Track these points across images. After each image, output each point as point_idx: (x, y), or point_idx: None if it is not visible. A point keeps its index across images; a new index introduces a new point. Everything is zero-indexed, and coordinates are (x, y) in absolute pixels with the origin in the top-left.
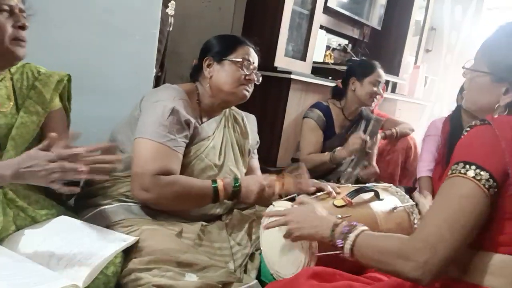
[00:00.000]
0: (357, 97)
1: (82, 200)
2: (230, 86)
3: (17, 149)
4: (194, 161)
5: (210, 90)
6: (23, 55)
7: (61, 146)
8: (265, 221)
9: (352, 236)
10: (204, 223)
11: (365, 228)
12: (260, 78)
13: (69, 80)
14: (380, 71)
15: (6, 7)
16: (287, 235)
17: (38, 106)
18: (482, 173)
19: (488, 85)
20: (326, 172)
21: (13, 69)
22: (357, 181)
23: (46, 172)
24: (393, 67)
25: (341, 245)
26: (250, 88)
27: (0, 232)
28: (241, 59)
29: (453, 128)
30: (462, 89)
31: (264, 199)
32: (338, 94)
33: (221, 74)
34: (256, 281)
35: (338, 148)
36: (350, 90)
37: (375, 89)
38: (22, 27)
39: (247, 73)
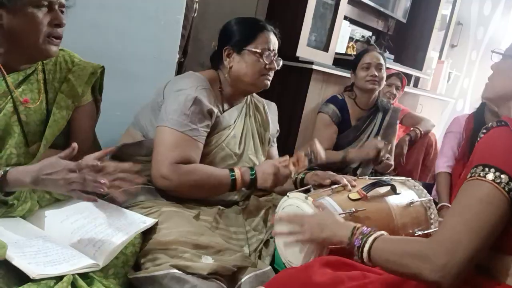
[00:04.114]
0: (359, 86)
1: None
2: (250, 77)
3: (46, 147)
4: (215, 150)
5: (230, 80)
6: (56, 53)
7: (91, 157)
8: (279, 210)
9: (371, 238)
10: (221, 207)
11: (383, 232)
12: (281, 63)
13: (102, 72)
14: (368, 55)
15: (45, 2)
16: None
17: (69, 100)
18: (501, 176)
19: (508, 69)
20: (341, 166)
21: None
22: (373, 170)
23: (65, 182)
24: (417, 62)
25: (359, 245)
26: (271, 76)
27: (25, 214)
28: (261, 50)
29: (477, 126)
30: None
31: (281, 180)
32: (350, 86)
33: (241, 65)
34: (270, 267)
35: (351, 150)
36: (354, 82)
37: (367, 72)
38: (59, 25)
39: (267, 62)
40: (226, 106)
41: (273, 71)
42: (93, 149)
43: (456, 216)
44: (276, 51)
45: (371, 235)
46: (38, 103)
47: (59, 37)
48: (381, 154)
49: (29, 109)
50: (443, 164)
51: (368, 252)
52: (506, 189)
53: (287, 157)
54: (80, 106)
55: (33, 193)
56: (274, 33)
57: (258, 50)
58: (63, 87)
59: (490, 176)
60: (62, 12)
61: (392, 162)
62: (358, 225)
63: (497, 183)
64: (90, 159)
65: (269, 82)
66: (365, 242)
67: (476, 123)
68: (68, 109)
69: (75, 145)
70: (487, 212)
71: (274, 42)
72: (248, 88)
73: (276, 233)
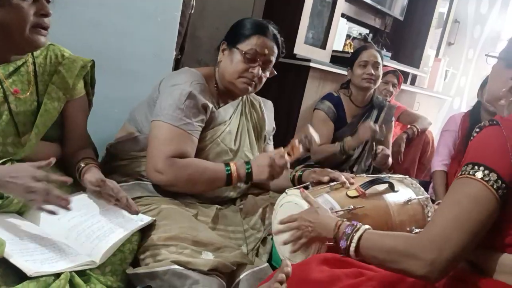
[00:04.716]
0: (355, 84)
1: None
2: (231, 76)
3: (38, 137)
4: (210, 145)
5: (218, 75)
6: (44, 43)
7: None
8: (277, 207)
9: (356, 236)
10: (218, 207)
11: (367, 227)
12: (271, 72)
13: (92, 66)
14: (366, 52)
15: None
16: (293, 244)
17: (60, 92)
18: (490, 174)
19: (501, 70)
20: (339, 162)
21: (36, 52)
22: (370, 168)
23: (26, 189)
24: (414, 60)
25: (344, 246)
26: (254, 82)
27: (20, 207)
28: (246, 50)
29: (472, 124)
30: (482, 85)
31: (277, 171)
32: (346, 83)
33: (227, 62)
34: (267, 264)
35: (347, 138)
36: (350, 78)
37: (363, 70)
38: (45, 15)
39: (251, 66)
40: (221, 103)
41: (257, 78)
42: (87, 142)
43: (445, 213)
44: (271, 60)
45: (355, 232)
46: (28, 94)
47: (46, 27)
48: (377, 134)
49: (19, 99)
50: (438, 163)
51: (355, 250)
52: (495, 186)
53: (281, 148)
54: (73, 99)
55: None
56: (277, 43)
57: (245, 50)
58: (54, 79)
59: (479, 174)
60: (48, 1)
61: (389, 152)
62: (339, 221)
63: (485, 181)
64: (55, 176)
65: (249, 88)
66: (351, 242)
67: (472, 121)
68: (60, 100)
69: (52, 160)
70: (476, 209)
71: (269, 49)
72: (229, 87)
73: (276, 231)
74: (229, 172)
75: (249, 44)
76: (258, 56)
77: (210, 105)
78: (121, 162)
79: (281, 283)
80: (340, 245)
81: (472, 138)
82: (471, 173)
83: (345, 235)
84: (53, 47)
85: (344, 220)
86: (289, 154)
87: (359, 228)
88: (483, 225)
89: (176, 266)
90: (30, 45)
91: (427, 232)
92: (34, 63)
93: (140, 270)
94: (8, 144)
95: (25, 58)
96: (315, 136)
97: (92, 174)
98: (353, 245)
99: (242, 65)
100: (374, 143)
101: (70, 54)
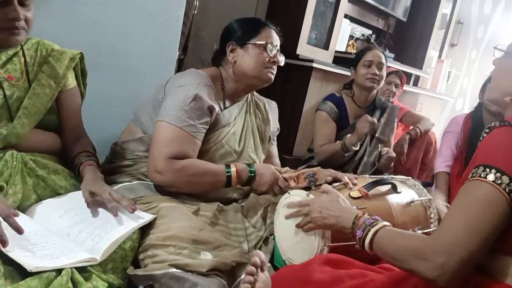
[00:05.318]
0: (358, 84)
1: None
2: (255, 70)
3: (30, 118)
4: (214, 148)
5: (234, 75)
6: (19, 41)
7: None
8: (280, 207)
9: (373, 230)
10: (220, 204)
11: (387, 223)
12: (283, 59)
13: (81, 58)
14: (370, 52)
15: None
16: (300, 226)
17: (50, 80)
18: (502, 177)
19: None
20: (342, 163)
21: (27, 45)
22: (374, 169)
23: None
24: (417, 61)
25: (360, 236)
26: (275, 70)
27: (21, 201)
28: (264, 42)
29: (474, 126)
30: (484, 86)
31: (277, 191)
32: (348, 84)
33: (245, 59)
34: (269, 264)
35: (348, 135)
36: (354, 78)
37: (368, 70)
38: (14, 19)
39: (271, 56)
40: (227, 103)
41: (276, 66)
42: (82, 132)
43: (456, 216)
44: (279, 48)
45: (373, 226)
46: (21, 81)
47: (18, 28)
48: (376, 127)
49: (13, 85)
50: (441, 164)
51: (370, 243)
52: (507, 190)
53: (287, 168)
54: (65, 90)
55: (28, 177)
56: (276, 31)
57: (262, 43)
58: (44, 68)
59: (491, 177)
60: (22, 5)
61: (394, 155)
62: (360, 213)
63: (497, 184)
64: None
65: (273, 76)
66: (367, 233)
67: (474, 122)
68: (51, 88)
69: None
70: (487, 213)
71: (276, 38)
72: (253, 82)
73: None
74: (229, 174)
75: (263, 36)
76: (273, 45)
77: (216, 108)
78: (125, 162)
79: (251, 274)
80: (356, 234)
81: (481, 138)
82: (482, 175)
83: (363, 225)
84: (43, 43)
85: (365, 213)
86: (293, 180)
87: (378, 223)
88: (494, 228)
89: (174, 270)
90: (6, 43)
91: (438, 235)
92: (24, 55)
93: (139, 272)
94: (1, 127)
95: (16, 49)
96: (323, 180)
97: (84, 186)
98: (369, 235)
99: (263, 56)
100: (379, 144)
101: (59, 48)
